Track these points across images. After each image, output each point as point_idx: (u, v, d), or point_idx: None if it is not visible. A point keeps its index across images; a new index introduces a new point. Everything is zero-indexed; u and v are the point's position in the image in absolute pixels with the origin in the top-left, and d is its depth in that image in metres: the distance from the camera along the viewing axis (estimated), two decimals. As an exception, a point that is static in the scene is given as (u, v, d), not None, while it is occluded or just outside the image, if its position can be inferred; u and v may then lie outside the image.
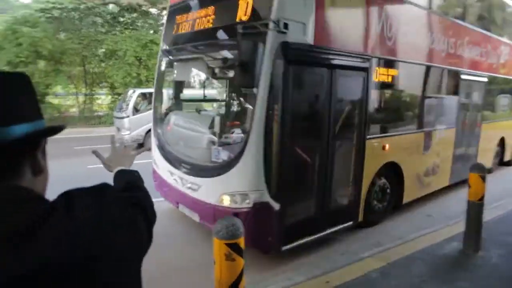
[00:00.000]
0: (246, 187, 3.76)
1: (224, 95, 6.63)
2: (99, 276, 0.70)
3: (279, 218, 3.81)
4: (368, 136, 4.80)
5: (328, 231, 4.41)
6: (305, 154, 4.15)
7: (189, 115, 5.86)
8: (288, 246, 3.97)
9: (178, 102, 5.92)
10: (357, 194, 4.78)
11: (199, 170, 4.34)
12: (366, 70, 4.63)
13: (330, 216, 4.43)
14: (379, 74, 4.90)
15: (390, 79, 5.17)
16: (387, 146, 5.10)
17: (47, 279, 0.64)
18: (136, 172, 1.29)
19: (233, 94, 6.02)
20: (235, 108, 5.76)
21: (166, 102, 5.73)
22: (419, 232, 4.78)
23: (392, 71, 5.17)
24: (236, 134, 4.46)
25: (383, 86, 5.15)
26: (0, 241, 0.63)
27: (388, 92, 5.47)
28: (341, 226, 4.59)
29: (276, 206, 3.74)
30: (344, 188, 4.74)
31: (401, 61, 5.30)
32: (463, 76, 6.77)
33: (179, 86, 5.91)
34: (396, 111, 5.70)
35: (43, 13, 17.44)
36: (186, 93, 6.29)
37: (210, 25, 4.23)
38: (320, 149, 4.26)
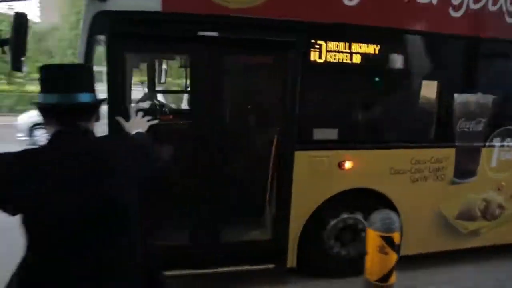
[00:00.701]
0: None
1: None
2: (114, 181, 1.27)
3: None
4: (304, 146, 3.29)
5: (224, 269, 3.34)
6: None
7: None
8: None
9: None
10: (281, 229, 3.42)
11: None
12: (289, 46, 3.13)
13: (223, 251, 3.39)
14: (332, 51, 3.24)
15: (361, 59, 3.33)
16: (347, 164, 3.39)
17: (84, 175, 1.22)
18: (148, 134, 1.87)
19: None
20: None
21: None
22: None
23: (373, 47, 3.35)
24: None
25: (342, 68, 3.33)
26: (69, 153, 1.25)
27: (354, 81, 3.46)
28: (250, 267, 3.40)
29: None
30: (250, 217, 3.71)
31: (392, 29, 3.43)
32: None
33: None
34: (376, 110, 3.68)
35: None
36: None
37: None
38: (191, 157, 3.27)
